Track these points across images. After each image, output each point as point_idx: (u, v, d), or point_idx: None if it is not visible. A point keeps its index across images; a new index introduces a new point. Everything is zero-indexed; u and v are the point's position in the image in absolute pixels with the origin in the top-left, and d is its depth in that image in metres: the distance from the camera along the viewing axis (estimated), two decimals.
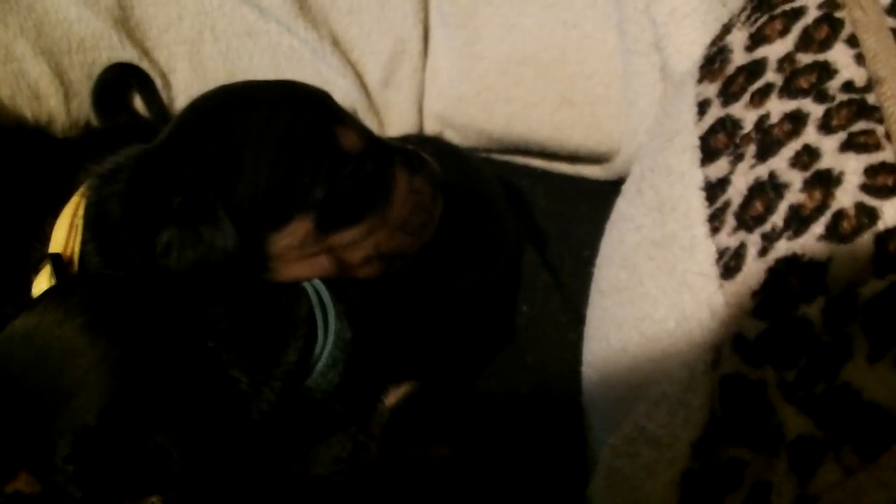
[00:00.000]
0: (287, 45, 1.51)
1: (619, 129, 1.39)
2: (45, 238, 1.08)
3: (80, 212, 1.04)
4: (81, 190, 1.06)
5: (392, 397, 1.04)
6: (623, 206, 1.02)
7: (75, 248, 1.02)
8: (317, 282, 1.01)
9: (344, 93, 1.50)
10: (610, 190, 1.43)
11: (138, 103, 1.51)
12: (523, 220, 1.38)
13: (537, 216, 1.42)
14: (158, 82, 1.48)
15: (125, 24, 1.46)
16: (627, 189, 1.03)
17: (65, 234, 1.02)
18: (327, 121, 1.03)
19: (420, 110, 1.54)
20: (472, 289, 1.21)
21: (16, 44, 1.40)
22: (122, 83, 1.47)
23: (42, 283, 1.00)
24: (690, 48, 1.15)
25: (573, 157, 1.48)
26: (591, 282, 1.08)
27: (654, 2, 1.25)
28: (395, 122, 1.52)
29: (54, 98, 1.43)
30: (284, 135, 0.99)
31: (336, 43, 1.50)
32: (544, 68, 1.42)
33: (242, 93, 1.05)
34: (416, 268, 1.09)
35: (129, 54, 1.46)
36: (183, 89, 1.50)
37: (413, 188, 1.06)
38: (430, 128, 1.54)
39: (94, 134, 1.38)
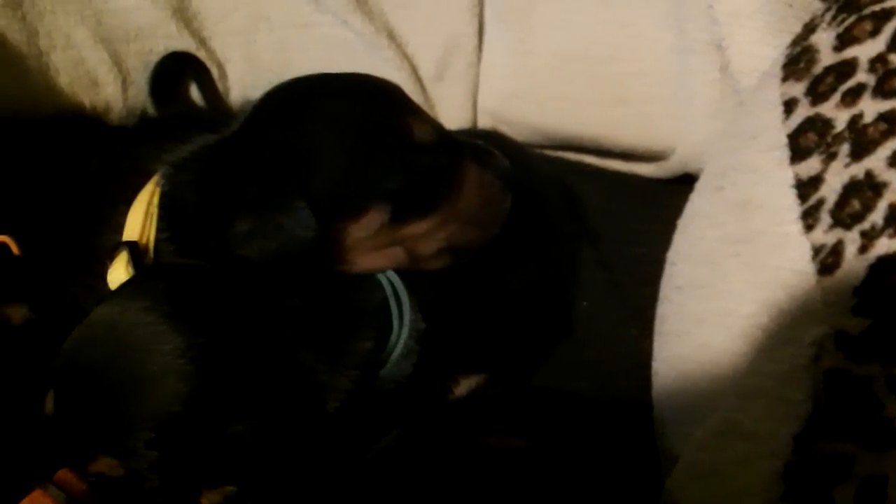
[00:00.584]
0: (341, 38, 1.50)
1: (673, 128, 1.39)
2: (117, 226, 1.07)
3: (155, 200, 1.03)
4: (155, 178, 1.06)
5: (462, 387, 1.04)
6: (700, 204, 1.02)
7: (150, 236, 1.02)
8: (390, 273, 1.01)
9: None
10: (663, 188, 1.43)
11: (194, 93, 1.49)
12: (577, 217, 1.38)
13: (590, 213, 1.41)
14: (214, 72, 1.49)
15: (183, 13, 1.45)
16: (704, 187, 1.04)
17: (140, 222, 1.02)
18: (402, 113, 1.03)
19: (474, 105, 1.54)
20: (528, 283, 1.21)
21: (76, 31, 1.40)
22: (178, 72, 1.47)
23: (118, 270, 1.00)
24: (757, 48, 1.15)
25: (626, 155, 1.48)
26: (664, 278, 1.08)
27: (717, 1, 1.25)
28: (448, 117, 1.52)
29: (112, 86, 1.43)
30: (361, 125, 1.00)
31: (391, 36, 1.49)
32: (597, 66, 1.42)
33: (318, 84, 1.06)
34: (477, 261, 1.08)
35: (185, 43, 1.46)
36: (237, 79, 1.50)
37: (483, 182, 1.06)
38: (483, 123, 1.54)
39: (151, 123, 1.36)
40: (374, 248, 1.01)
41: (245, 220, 0.95)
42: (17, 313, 0.99)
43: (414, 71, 1.52)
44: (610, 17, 1.41)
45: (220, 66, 1.49)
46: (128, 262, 1.00)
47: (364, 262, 1.00)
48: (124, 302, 0.88)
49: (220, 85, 1.49)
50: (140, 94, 1.47)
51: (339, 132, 1.00)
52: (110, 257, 1.04)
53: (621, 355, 1.20)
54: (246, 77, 1.50)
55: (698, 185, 1.07)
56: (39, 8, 1.38)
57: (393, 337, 0.99)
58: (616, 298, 1.26)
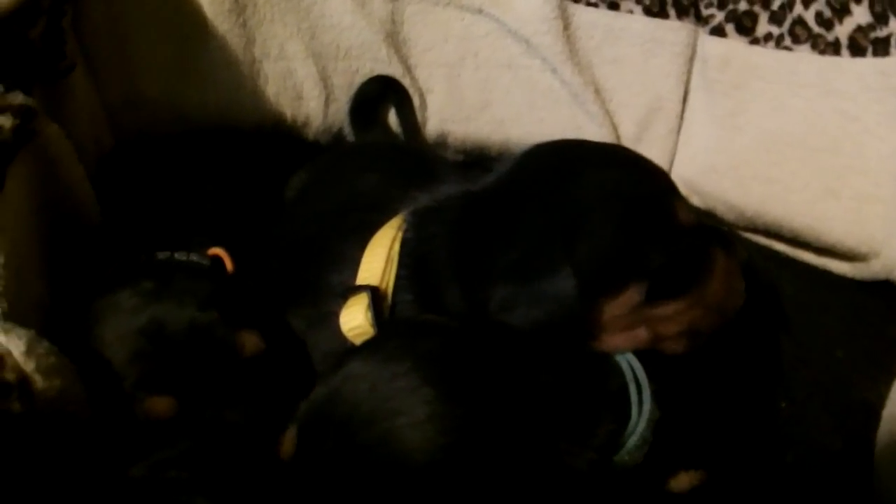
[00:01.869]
0: (547, 85, 1.47)
1: (885, 232, 1.33)
2: (351, 263, 1.04)
3: (397, 247, 0.99)
4: (397, 223, 1.02)
5: (682, 482, 0.99)
6: None
7: (390, 283, 0.98)
8: (631, 357, 0.97)
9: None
10: (859, 288, 1.37)
11: (391, 118, 1.46)
12: (774, 307, 1.32)
13: (784, 305, 1.36)
14: (415, 101, 1.45)
15: (394, 38, 1.43)
16: None
17: (381, 267, 0.99)
18: (668, 192, 1.00)
19: (669, 172, 1.48)
20: (739, 375, 1.16)
21: (289, 43, 1.38)
22: (380, 96, 1.43)
23: (356, 314, 0.96)
24: None
25: (822, 249, 1.42)
26: None
27: None
28: None
29: (315, 101, 1.41)
30: (632, 200, 0.96)
31: (597, 91, 1.46)
32: (812, 155, 1.37)
33: (585, 150, 1.04)
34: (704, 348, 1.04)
35: (392, 69, 1.43)
36: (436, 111, 1.47)
37: (729, 268, 1.03)
38: None
39: (369, 150, 1.33)
40: (624, 327, 0.97)
41: (506, 285, 0.91)
42: (250, 342, 0.95)
43: (614, 129, 1.47)
44: (833, 107, 1.36)
45: (422, 96, 1.46)
46: (368, 307, 0.96)
47: (612, 340, 0.97)
48: (381, 360, 0.85)
49: (419, 114, 1.45)
50: (340, 113, 1.44)
51: (609, 202, 0.96)
52: (343, 296, 0.99)
53: (824, 467, 1.13)
54: (445, 110, 1.46)
55: None
56: (260, 16, 1.36)
57: (631, 424, 0.94)
58: (818, 402, 1.20)
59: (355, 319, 0.96)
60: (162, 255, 1.09)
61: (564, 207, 0.95)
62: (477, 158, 1.49)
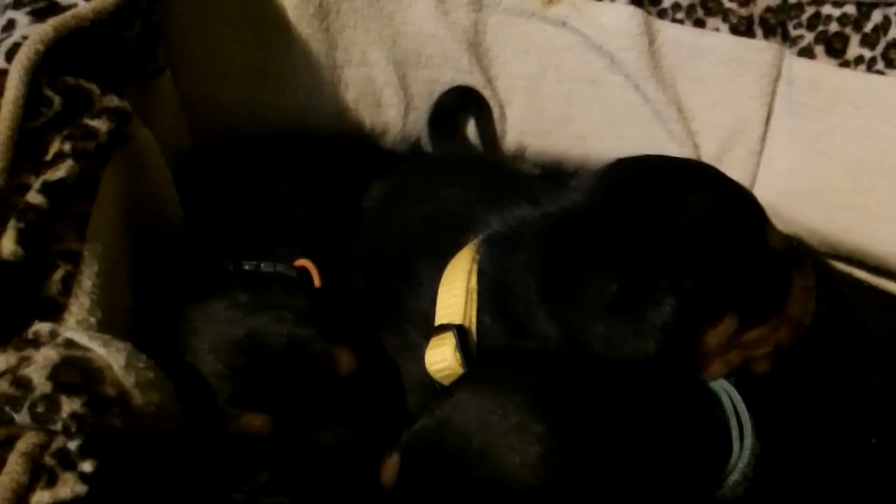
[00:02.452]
0: (629, 101, 1.43)
1: None
2: (421, 285, 1.03)
3: (474, 280, 0.96)
4: (470, 254, 0.98)
5: None
6: None
7: (473, 319, 0.95)
8: (730, 388, 0.93)
9: None
10: None
11: (470, 129, 1.42)
12: (858, 336, 1.28)
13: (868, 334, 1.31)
14: (495, 113, 1.41)
15: (476, 48, 1.40)
16: None
17: (461, 302, 0.96)
18: (760, 216, 0.99)
19: None
20: (827, 412, 1.12)
21: (371, 49, 1.35)
22: (460, 106, 1.40)
23: (445, 353, 0.95)
24: None
25: None
26: None
27: None
28: None
29: (394, 109, 1.38)
30: (729, 227, 0.94)
31: (680, 109, 1.41)
32: None
33: (676, 171, 1.00)
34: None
35: (473, 79, 1.40)
36: (516, 124, 1.44)
37: (806, 286, 1.01)
38: None
39: (448, 162, 1.29)
40: (720, 354, 0.94)
41: (608, 320, 0.89)
42: (346, 360, 0.91)
43: (695, 148, 1.43)
44: None
45: (502, 108, 1.43)
46: (456, 347, 0.93)
47: (709, 368, 0.94)
48: (491, 393, 0.82)
49: (497, 126, 1.41)
50: (418, 122, 1.41)
51: (706, 231, 0.93)
52: (425, 334, 0.98)
53: None
54: (525, 123, 1.43)
55: None
56: (343, 22, 1.34)
57: (733, 459, 0.90)
58: None
59: (444, 361, 0.93)
60: (248, 265, 1.05)
61: (660, 235, 0.91)
62: (554, 173, 1.45)
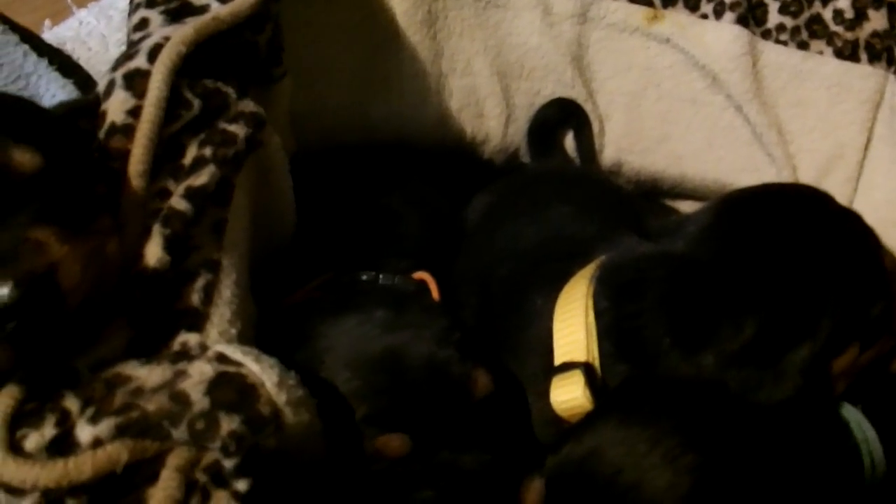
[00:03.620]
0: (728, 123, 1.39)
1: None
2: (537, 314, 1.01)
3: (591, 316, 0.93)
4: (583, 288, 0.95)
5: None
6: None
7: (596, 357, 0.93)
8: (858, 414, 0.91)
9: None
10: None
11: (568, 142, 1.39)
12: None
13: None
14: (594, 127, 1.37)
15: (579, 61, 1.36)
16: None
17: (583, 339, 0.93)
18: (877, 244, 0.99)
19: None
20: None
21: (476, 59, 1.32)
22: (560, 120, 1.36)
23: (573, 392, 0.91)
24: None
25: None
26: None
27: None
28: None
29: (495, 120, 1.35)
30: (856, 259, 0.94)
31: (780, 132, 1.38)
32: None
33: (798, 205, 0.99)
34: None
35: (576, 92, 1.37)
36: (614, 140, 1.40)
37: None
38: None
39: (554, 180, 1.26)
40: (840, 377, 0.93)
41: (745, 367, 0.87)
42: (482, 382, 0.89)
43: (793, 172, 1.39)
44: None
45: (601, 123, 1.39)
46: (586, 385, 0.90)
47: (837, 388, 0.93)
48: (639, 423, 0.81)
49: (596, 141, 1.37)
50: (518, 133, 1.38)
51: (838, 266, 0.93)
52: (545, 372, 0.95)
53: None
54: (623, 140, 1.39)
55: None
56: (449, 29, 1.30)
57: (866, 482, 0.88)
58: None
59: (574, 399, 0.90)
60: (366, 276, 1.02)
61: (791, 276, 0.91)
62: (648, 192, 1.41)
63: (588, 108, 1.37)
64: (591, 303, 0.95)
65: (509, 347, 1.01)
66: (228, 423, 0.72)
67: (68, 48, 1.28)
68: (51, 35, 1.33)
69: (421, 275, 1.04)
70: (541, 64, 1.36)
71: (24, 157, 0.72)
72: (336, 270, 1.03)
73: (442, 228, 1.18)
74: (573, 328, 0.94)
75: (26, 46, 1.19)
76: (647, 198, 1.44)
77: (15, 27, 1.20)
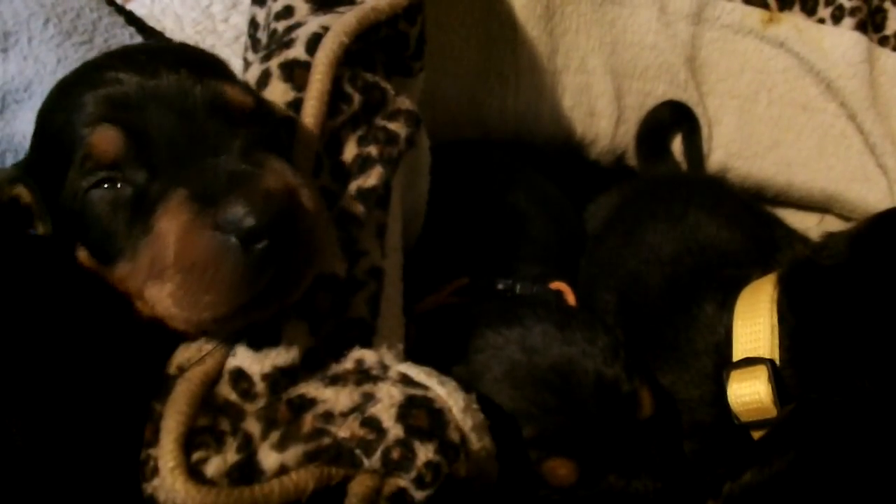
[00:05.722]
0: (839, 131, 1.33)
1: None
2: (711, 321, 0.94)
3: (776, 318, 0.87)
4: (768, 293, 0.89)
5: None
6: None
7: (776, 353, 0.86)
8: None
9: (878, 199, 1.31)
10: None
11: (675, 144, 1.32)
12: None
13: None
14: (703, 131, 1.30)
15: (692, 62, 1.28)
16: None
17: (768, 336, 0.87)
18: None
19: None
20: None
21: (591, 56, 1.25)
22: (670, 122, 1.29)
23: (756, 388, 0.85)
24: None
25: None
26: None
27: None
28: None
29: (606, 120, 1.28)
30: None
31: (893, 143, 1.31)
32: None
33: None
34: None
35: (688, 94, 1.30)
36: (722, 144, 1.34)
37: None
38: None
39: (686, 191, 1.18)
40: None
41: None
42: (647, 401, 0.83)
43: (892, 185, 1.33)
44: None
45: (710, 127, 1.33)
46: (769, 380, 0.84)
47: None
48: (830, 456, 0.75)
49: (704, 145, 1.30)
50: (627, 135, 1.30)
51: None
52: (716, 369, 0.89)
53: None
54: (732, 144, 1.33)
55: None
56: (566, 25, 1.23)
57: None
58: None
59: (755, 394, 0.84)
60: (503, 286, 0.95)
61: None
62: (751, 198, 1.35)
63: (699, 111, 1.31)
64: (775, 308, 0.89)
65: (668, 351, 0.95)
66: (425, 452, 0.65)
67: None
68: None
69: (558, 285, 0.97)
70: (654, 63, 1.29)
71: (242, 96, 0.72)
72: (471, 276, 0.95)
73: (566, 230, 1.11)
74: (758, 327, 0.90)
75: (132, 28, 1.12)
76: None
77: (121, 9, 1.13)
